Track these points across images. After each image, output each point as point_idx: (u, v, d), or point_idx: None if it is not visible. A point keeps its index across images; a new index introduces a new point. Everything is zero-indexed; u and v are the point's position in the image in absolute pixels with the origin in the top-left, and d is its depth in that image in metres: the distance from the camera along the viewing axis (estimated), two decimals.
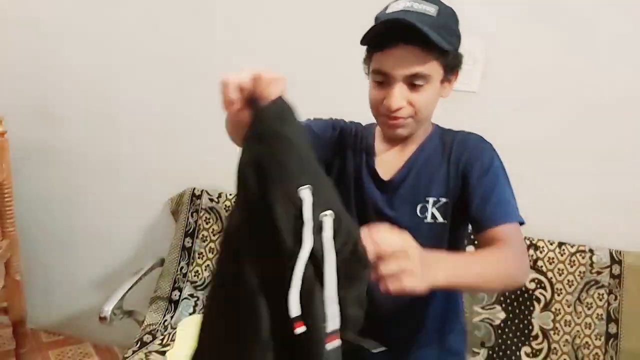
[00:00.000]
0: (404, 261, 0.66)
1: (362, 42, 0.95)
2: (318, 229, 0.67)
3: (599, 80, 1.72)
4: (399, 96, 0.94)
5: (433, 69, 0.94)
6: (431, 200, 1.00)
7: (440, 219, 1.01)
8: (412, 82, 0.94)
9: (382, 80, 0.95)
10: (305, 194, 0.67)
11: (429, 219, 1.00)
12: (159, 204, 2.14)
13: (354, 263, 0.68)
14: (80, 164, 2.19)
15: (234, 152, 1.71)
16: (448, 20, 0.95)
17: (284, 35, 1.90)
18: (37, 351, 2.25)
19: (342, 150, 1.08)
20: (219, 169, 2.04)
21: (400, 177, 1.03)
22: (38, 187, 2.22)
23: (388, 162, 1.05)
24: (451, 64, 0.98)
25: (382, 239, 0.67)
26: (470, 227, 1.03)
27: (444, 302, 1.08)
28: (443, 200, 1.00)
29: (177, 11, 1.98)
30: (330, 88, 1.85)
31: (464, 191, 0.98)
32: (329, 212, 0.67)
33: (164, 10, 1.99)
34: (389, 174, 1.04)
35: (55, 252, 2.30)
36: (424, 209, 1.01)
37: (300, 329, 0.67)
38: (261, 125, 0.72)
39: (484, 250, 0.90)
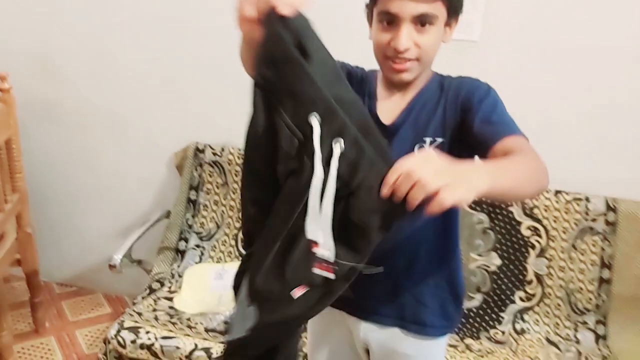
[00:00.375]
0: (447, 176, 0.68)
1: None
2: (327, 157, 0.70)
3: (600, 28, 1.72)
4: (407, 36, 0.95)
5: (439, 9, 0.96)
6: (428, 140, 1.01)
7: None
8: (419, 23, 0.95)
9: (390, 21, 0.96)
10: (314, 122, 0.70)
11: None
12: (163, 158, 2.19)
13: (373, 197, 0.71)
14: (86, 121, 2.22)
15: (235, 107, 1.75)
16: None
17: None
18: (50, 302, 2.34)
19: (360, 89, 1.09)
20: (221, 124, 2.09)
21: (400, 121, 1.05)
22: (44, 143, 2.26)
23: (389, 107, 1.06)
24: (454, 6, 0.99)
25: (418, 163, 0.69)
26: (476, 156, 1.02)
27: (440, 237, 1.11)
28: (439, 140, 1.01)
29: None
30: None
31: (464, 123, 0.98)
32: (340, 140, 0.69)
33: None
34: (390, 119, 1.06)
35: (64, 207, 2.36)
36: (421, 149, 1.03)
37: (317, 250, 0.72)
38: (274, 47, 0.72)
39: (506, 159, 0.87)
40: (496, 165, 0.84)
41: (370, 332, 1.14)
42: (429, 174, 0.67)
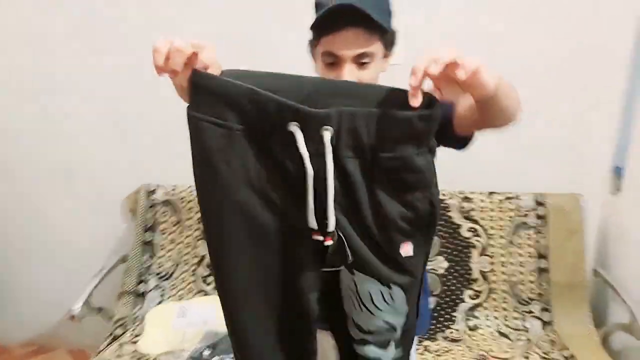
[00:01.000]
0: (476, 60, 0.74)
1: (312, 27, 1.04)
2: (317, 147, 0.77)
3: (514, 45, 1.90)
4: (349, 75, 1.03)
5: (377, 47, 1.04)
6: None
7: None
8: (360, 61, 1.04)
9: (333, 62, 1.05)
10: (294, 129, 0.77)
11: None
12: (115, 204, 2.20)
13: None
14: (33, 176, 2.23)
15: (182, 146, 1.84)
16: (383, 1, 1.05)
17: (221, 27, 2.00)
18: None
19: None
20: (170, 163, 2.13)
21: None
22: None
23: None
24: (389, 41, 1.08)
25: (442, 50, 0.73)
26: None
27: None
28: None
29: (111, 24, 2.04)
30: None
31: None
32: (329, 128, 0.77)
33: (95, 20, 2.04)
34: None
35: (16, 265, 2.34)
36: None
37: (326, 241, 0.79)
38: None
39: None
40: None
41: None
42: (457, 52, 0.72)
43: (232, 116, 0.80)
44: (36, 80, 2.13)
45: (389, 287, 0.88)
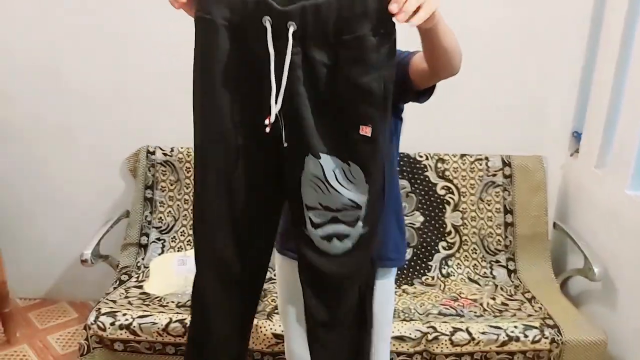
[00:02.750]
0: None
1: None
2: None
3: (480, 12, 2.10)
4: None
5: None
6: None
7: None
8: None
9: None
10: (266, 23, 0.92)
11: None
12: (116, 164, 2.36)
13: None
14: (36, 136, 2.35)
15: (180, 109, 2.03)
16: None
17: None
18: (17, 315, 2.43)
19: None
20: (168, 126, 2.30)
21: None
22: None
23: None
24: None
25: None
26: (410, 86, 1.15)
27: (388, 184, 1.21)
28: None
29: None
30: None
31: None
32: (292, 23, 0.91)
33: None
34: None
35: (20, 221, 2.47)
36: None
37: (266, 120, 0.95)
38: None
39: None
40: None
41: None
42: None
43: (221, 12, 0.95)
44: (38, 42, 2.24)
45: (349, 165, 1.01)
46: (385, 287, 1.34)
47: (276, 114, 0.95)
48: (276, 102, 0.95)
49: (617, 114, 1.90)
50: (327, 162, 1.01)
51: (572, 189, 2.21)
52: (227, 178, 1.06)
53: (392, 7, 0.86)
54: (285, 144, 1.00)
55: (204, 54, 0.99)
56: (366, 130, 0.97)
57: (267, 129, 0.96)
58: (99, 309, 1.83)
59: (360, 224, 1.07)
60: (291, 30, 0.92)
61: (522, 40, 2.11)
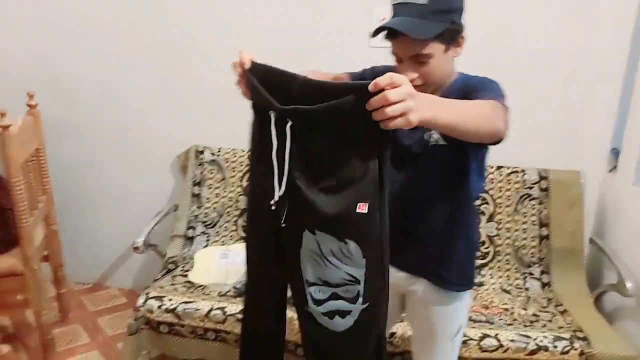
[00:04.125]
0: (410, 101, 0.86)
1: (373, 36, 1.20)
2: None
3: (520, 34, 2.15)
4: (406, 70, 1.19)
5: (432, 47, 1.15)
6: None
7: (441, 142, 1.23)
8: (418, 60, 1.18)
9: (397, 60, 1.25)
10: (271, 116, 1.04)
11: (432, 142, 1.24)
12: (167, 162, 2.52)
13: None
14: (99, 136, 2.56)
15: (228, 113, 2.18)
16: (439, 3, 1.13)
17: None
18: (70, 297, 2.62)
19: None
20: (217, 128, 2.46)
21: None
22: (59, 155, 2.54)
23: None
24: (449, 37, 1.17)
25: (393, 83, 0.85)
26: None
27: (455, 206, 1.31)
28: None
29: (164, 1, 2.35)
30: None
31: None
32: (287, 121, 1.02)
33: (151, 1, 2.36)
34: None
35: (77, 211, 2.67)
36: (429, 135, 1.24)
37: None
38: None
39: (472, 101, 1.06)
40: (449, 102, 1.00)
41: (404, 279, 1.40)
42: (396, 97, 0.85)
43: (255, 100, 1.11)
44: (99, 57, 2.45)
45: (345, 242, 1.04)
46: (447, 308, 1.40)
47: (279, 196, 1.06)
48: (279, 187, 1.05)
49: None
50: (323, 239, 1.05)
51: (609, 205, 2.21)
52: (260, 252, 1.23)
53: (376, 116, 0.88)
54: (284, 224, 1.08)
55: (251, 134, 1.16)
56: (363, 208, 1.00)
57: (272, 207, 1.07)
58: (148, 293, 1.97)
59: (360, 299, 1.08)
60: (289, 124, 1.02)
61: (564, 56, 2.15)
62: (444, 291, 1.38)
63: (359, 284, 1.07)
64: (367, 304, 1.08)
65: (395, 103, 0.85)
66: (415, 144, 1.28)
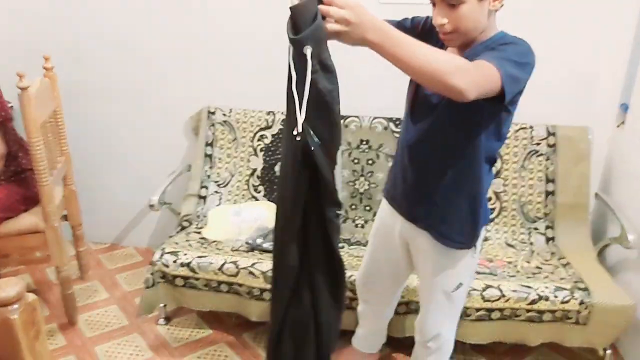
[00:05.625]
0: (349, 13, 0.97)
1: None
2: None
3: None
4: (437, 15, 1.21)
5: None
6: None
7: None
8: (449, 3, 1.19)
9: (433, 3, 1.26)
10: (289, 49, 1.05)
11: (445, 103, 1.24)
12: (180, 123, 2.57)
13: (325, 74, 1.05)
14: (111, 97, 2.59)
15: (239, 73, 2.22)
16: None
17: None
18: (89, 256, 2.72)
19: (429, 37, 1.29)
20: (227, 88, 2.48)
21: None
22: (75, 116, 2.58)
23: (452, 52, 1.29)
24: None
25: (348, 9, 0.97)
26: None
27: (466, 167, 1.33)
28: None
29: None
30: None
31: None
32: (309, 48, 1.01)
33: None
34: None
35: (96, 172, 2.74)
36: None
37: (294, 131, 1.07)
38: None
39: (434, 48, 1.07)
40: (401, 38, 1.02)
41: (408, 230, 1.49)
42: (343, 19, 0.97)
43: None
44: (111, 11, 2.46)
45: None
46: (446, 263, 1.46)
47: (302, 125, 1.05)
48: (300, 113, 1.03)
49: None
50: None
51: (616, 160, 2.23)
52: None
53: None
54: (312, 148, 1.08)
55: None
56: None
57: (298, 138, 1.06)
58: (164, 248, 2.05)
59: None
60: (309, 52, 0.99)
61: (573, 13, 2.13)
62: (443, 246, 1.43)
63: None
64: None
65: (336, 20, 0.98)
66: (434, 95, 1.29)
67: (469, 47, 1.27)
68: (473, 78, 1.07)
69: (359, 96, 2.15)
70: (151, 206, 2.18)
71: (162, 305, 2.15)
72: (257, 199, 2.41)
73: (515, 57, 1.16)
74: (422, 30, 1.38)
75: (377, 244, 1.67)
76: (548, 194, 2.25)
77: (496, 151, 1.40)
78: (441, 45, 1.29)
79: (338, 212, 1.21)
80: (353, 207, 2.36)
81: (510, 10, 2.13)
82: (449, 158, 1.35)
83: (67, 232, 2.42)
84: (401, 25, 1.39)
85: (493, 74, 1.10)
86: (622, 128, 2.19)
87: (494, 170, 2.20)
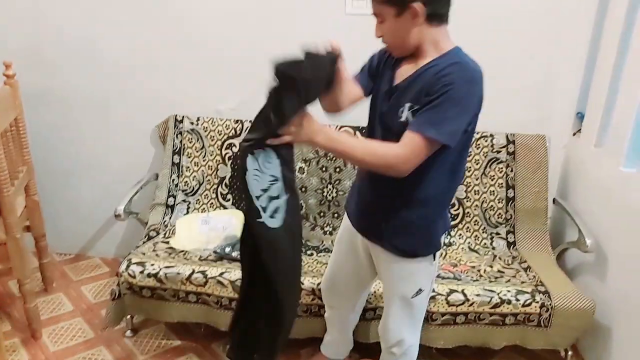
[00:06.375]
0: (298, 132, 1.20)
1: None
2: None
3: (492, 7, 2.21)
4: (376, 30, 1.32)
5: (381, 9, 1.27)
6: (407, 105, 1.29)
7: (410, 119, 1.27)
8: (377, 19, 1.30)
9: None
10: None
11: (402, 119, 1.29)
12: (147, 131, 2.55)
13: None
14: (76, 104, 2.55)
15: (206, 82, 2.22)
16: None
17: None
18: (53, 267, 2.66)
19: (383, 63, 1.43)
20: (195, 97, 2.48)
21: (401, 85, 1.33)
22: (38, 125, 2.53)
23: (402, 72, 1.37)
24: (399, 2, 1.23)
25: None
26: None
27: (414, 192, 1.37)
28: (415, 107, 1.26)
29: None
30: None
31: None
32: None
33: None
34: (398, 81, 1.35)
35: (57, 182, 2.68)
36: (402, 110, 1.29)
37: None
38: None
39: (373, 141, 1.30)
40: (343, 138, 1.26)
41: (367, 242, 1.54)
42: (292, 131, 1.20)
43: None
44: (77, 16, 2.42)
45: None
46: (404, 270, 1.50)
47: None
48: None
49: (615, 97, 2.01)
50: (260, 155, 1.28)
51: (573, 167, 2.32)
52: None
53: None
54: None
55: None
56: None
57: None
58: (130, 259, 2.03)
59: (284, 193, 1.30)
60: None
61: (531, 24, 2.22)
62: (400, 257, 1.47)
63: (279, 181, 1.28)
64: (288, 194, 1.30)
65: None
66: (387, 114, 1.36)
67: (423, 60, 1.30)
68: (409, 165, 1.24)
69: None
70: (117, 216, 2.16)
71: (128, 316, 2.12)
72: (225, 208, 2.41)
73: (453, 113, 1.22)
74: (374, 65, 1.47)
75: (341, 250, 1.70)
76: (509, 200, 2.32)
77: (457, 160, 1.40)
78: (394, 64, 1.37)
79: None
80: (321, 214, 2.38)
81: (469, 23, 2.23)
82: (397, 179, 1.33)
83: (30, 243, 2.37)
84: (363, 72, 1.49)
85: (431, 143, 1.22)
86: (578, 136, 2.29)
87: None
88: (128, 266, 1.99)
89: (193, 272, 1.97)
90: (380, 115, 1.39)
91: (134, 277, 1.98)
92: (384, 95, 1.39)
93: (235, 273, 1.95)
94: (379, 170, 1.28)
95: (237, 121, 2.42)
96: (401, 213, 1.42)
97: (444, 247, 2.30)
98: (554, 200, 2.36)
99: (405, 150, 1.23)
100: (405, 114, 1.28)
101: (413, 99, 1.27)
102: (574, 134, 2.32)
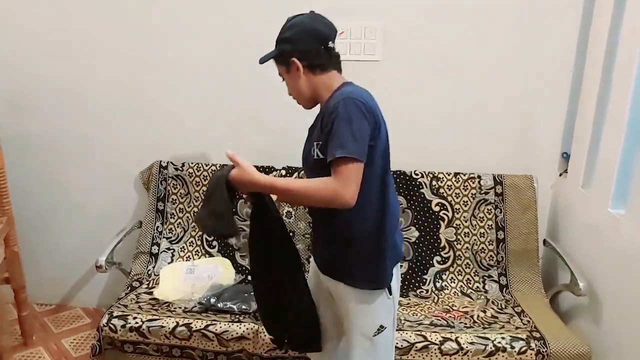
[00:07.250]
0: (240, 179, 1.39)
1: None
2: None
3: (477, 47, 2.23)
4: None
5: (279, 69, 1.50)
6: (315, 144, 1.41)
7: (320, 156, 1.38)
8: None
9: None
10: None
11: (315, 157, 1.40)
12: (130, 178, 2.51)
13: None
14: (57, 150, 2.51)
15: (191, 129, 2.20)
16: (279, 35, 1.46)
17: (224, 20, 2.32)
18: (33, 319, 2.57)
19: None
20: (180, 143, 2.46)
21: (311, 128, 1.54)
22: (19, 172, 2.49)
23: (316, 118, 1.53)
24: (283, 61, 1.46)
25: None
26: None
27: (344, 222, 1.42)
28: (320, 142, 1.38)
29: (131, 12, 2.35)
30: None
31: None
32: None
33: (117, 12, 2.35)
34: (310, 125, 1.55)
35: (38, 230, 2.62)
36: (313, 149, 1.41)
37: None
38: None
39: (310, 180, 1.39)
40: (280, 183, 1.38)
41: (326, 281, 1.53)
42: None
43: None
44: (61, 61, 2.41)
45: None
46: (361, 306, 1.48)
47: None
48: None
49: (599, 138, 2.01)
50: None
51: (561, 208, 2.31)
52: None
53: None
54: None
55: None
56: None
57: None
58: (112, 312, 1.96)
59: None
60: None
61: (514, 67, 2.24)
62: (354, 289, 1.46)
63: None
64: None
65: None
66: (306, 154, 1.50)
67: (322, 103, 1.48)
68: (348, 189, 1.29)
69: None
70: (98, 267, 2.10)
71: None
72: (211, 255, 2.35)
73: (347, 131, 1.30)
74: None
75: (313, 293, 1.66)
76: (499, 241, 2.30)
77: (380, 192, 1.42)
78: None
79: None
80: (309, 259, 2.33)
81: (456, 69, 2.26)
82: (331, 212, 1.37)
83: (9, 295, 2.29)
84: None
85: (347, 162, 1.29)
86: (565, 176, 2.28)
87: (445, 220, 2.29)
88: (109, 320, 1.92)
89: (177, 325, 1.90)
90: (304, 159, 1.53)
91: (116, 331, 1.90)
92: (305, 141, 1.55)
93: (220, 325, 1.88)
94: (324, 204, 1.32)
95: (222, 166, 2.39)
96: (346, 244, 1.45)
97: (436, 291, 2.25)
98: (544, 241, 2.34)
99: (336, 177, 1.30)
100: (315, 151, 1.40)
101: (317, 137, 1.40)
102: (561, 174, 2.32)
